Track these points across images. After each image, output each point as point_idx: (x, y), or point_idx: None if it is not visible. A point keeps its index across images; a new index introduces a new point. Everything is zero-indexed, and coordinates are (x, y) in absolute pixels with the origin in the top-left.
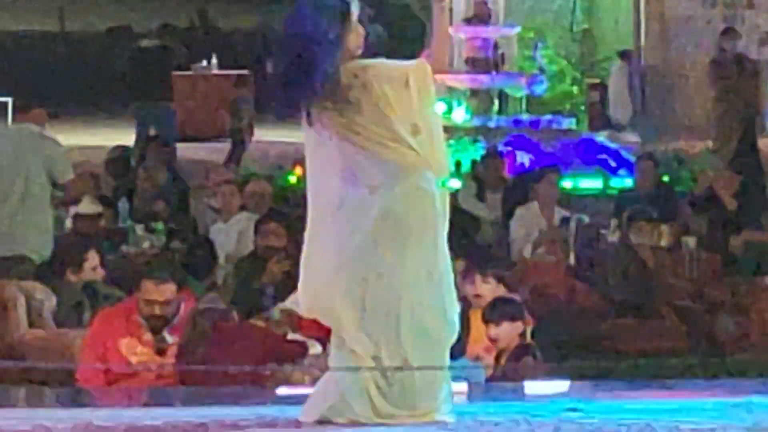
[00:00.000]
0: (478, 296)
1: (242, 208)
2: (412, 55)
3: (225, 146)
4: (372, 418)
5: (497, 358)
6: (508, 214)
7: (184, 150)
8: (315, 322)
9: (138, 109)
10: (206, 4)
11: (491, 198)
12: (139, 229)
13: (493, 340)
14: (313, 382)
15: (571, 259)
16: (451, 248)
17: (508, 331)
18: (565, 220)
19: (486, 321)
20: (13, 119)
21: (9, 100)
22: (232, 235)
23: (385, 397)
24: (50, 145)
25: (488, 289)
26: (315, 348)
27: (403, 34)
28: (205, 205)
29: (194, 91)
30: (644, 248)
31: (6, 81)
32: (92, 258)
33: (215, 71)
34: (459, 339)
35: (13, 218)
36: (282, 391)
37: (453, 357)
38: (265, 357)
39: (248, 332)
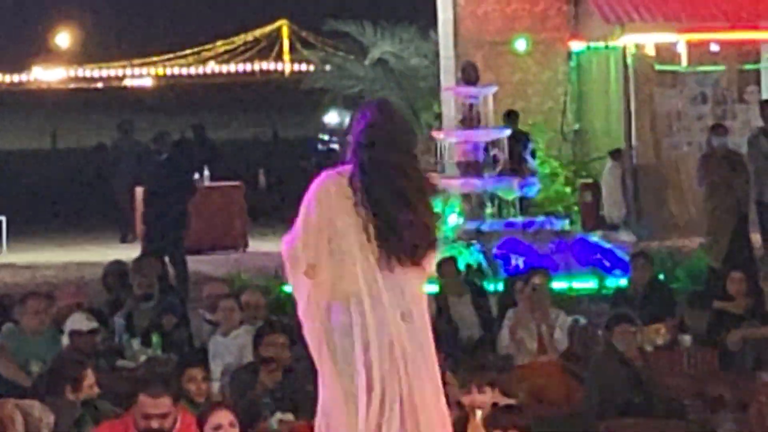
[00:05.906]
0: (474, 407)
1: (241, 322)
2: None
3: (218, 258)
4: None
5: None
6: (501, 317)
7: None
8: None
9: None
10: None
11: (486, 302)
12: (135, 343)
13: None
14: None
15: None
16: (442, 355)
17: None
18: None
19: (490, 430)
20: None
21: (3, 218)
22: (232, 349)
23: None
24: None
25: (485, 398)
26: None
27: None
28: (201, 318)
29: None
30: (630, 350)
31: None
32: (89, 374)
33: (207, 183)
34: None
35: None
36: None
37: None
38: None
39: None
